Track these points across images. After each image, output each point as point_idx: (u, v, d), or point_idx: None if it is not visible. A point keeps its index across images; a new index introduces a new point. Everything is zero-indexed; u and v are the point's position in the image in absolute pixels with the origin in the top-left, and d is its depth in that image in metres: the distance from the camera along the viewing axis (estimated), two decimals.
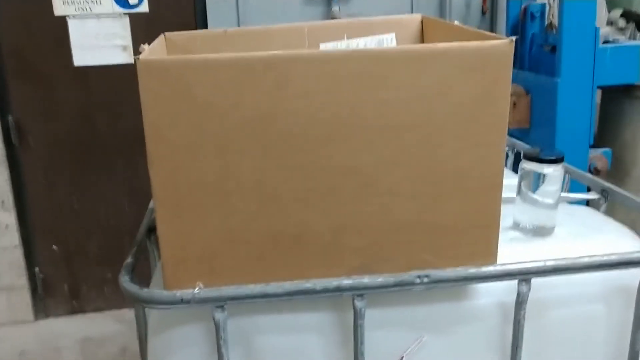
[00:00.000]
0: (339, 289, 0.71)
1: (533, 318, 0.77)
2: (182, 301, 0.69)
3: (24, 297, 2.37)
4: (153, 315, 0.78)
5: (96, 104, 2.25)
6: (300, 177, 0.69)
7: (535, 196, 0.86)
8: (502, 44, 0.66)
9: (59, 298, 2.46)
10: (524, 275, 0.74)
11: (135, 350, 0.80)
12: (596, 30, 1.83)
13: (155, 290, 0.69)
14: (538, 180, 0.85)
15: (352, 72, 0.66)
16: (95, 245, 2.42)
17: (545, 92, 1.91)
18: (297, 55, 0.65)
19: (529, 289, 0.75)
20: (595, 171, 1.93)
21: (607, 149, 1.97)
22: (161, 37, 0.91)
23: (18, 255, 2.31)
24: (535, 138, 1.93)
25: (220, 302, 0.69)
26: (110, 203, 2.37)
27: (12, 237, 2.29)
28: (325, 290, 0.71)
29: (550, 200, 0.86)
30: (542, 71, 1.98)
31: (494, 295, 0.78)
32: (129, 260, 0.77)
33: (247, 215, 0.69)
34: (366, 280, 0.71)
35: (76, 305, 2.48)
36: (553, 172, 0.84)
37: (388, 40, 0.96)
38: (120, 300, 2.42)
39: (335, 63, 0.65)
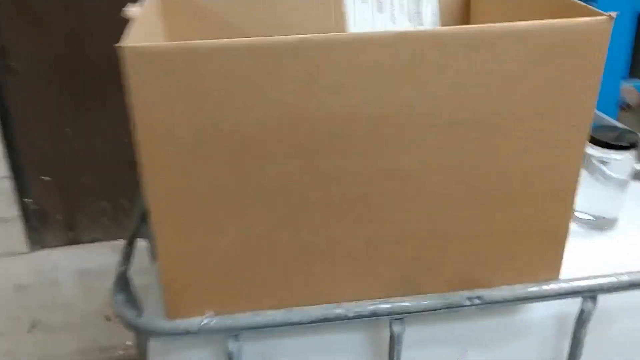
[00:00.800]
0: (375, 314, 0.60)
1: (592, 330, 0.66)
2: (187, 332, 0.57)
3: (18, 229, 2.27)
4: None
5: (88, 25, 2.05)
6: (334, 184, 0.55)
7: (598, 184, 0.73)
8: (599, 22, 0.51)
9: (53, 229, 2.37)
10: (591, 293, 0.63)
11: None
12: None
13: (155, 321, 0.58)
14: (603, 166, 0.72)
15: (401, 59, 0.51)
16: (90, 175, 2.30)
17: None
18: (334, 39, 0.50)
19: (595, 306, 0.64)
20: (626, 107, 1.78)
21: (639, 82, 1.82)
22: None
23: (8, 186, 2.19)
24: None
25: (234, 332, 0.58)
26: (106, 131, 2.22)
27: (1, 168, 2.16)
28: (360, 316, 0.59)
29: (615, 190, 0.73)
30: None
31: (550, 307, 0.67)
32: (121, 268, 0.66)
33: (268, 229, 0.56)
34: (407, 303, 0.60)
35: (72, 236, 2.39)
36: (622, 160, 0.71)
37: None
38: (117, 230, 2.33)
39: (380, 48, 0.50)
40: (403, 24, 0.80)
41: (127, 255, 0.69)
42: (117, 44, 0.48)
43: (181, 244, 0.56)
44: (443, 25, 0.81)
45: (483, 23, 0.81)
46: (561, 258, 0.62)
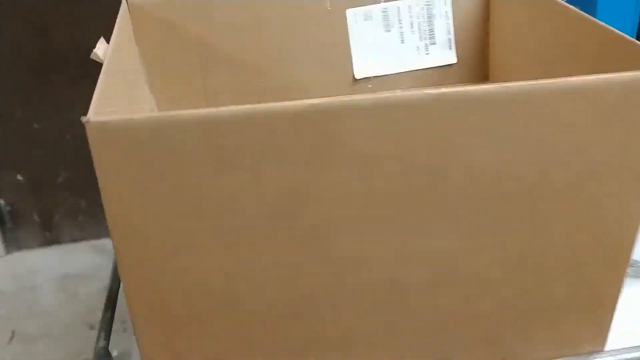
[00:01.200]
0: None
1: None
2: None
3: None
4: None
5: (53, 11, 1.91)
6: (349, 271, 0.46)
7: None
8: None
9: (30, 230, 2.26)
10: None
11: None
12: None
13: None
14: None
15: (432, 123, 0.41)
16: (64, 171, 2.19)
17: None
18: (349, 105, 0.40)
19: None
20: None
21: None
22: (124, 6, 0.63)
23: None
24: None
25: None
26: (77, 126, 2.09)
27: None
28: None
29: None
30: None
31: None
32: (100, 344, 0.57)
33: (269, 325, 0.47)
34: None
35: (50, 236, 2.28)
36: None
37: (441, 2, 0.70)
38: (97, 229, 2.23)
39: (407, 112, 0.41)
40: (413, 44, 0.71)
41: (107, 324, 0.60)
42: (82, 118, 0.39)
43: (167, 343, 0.46)
44: (458, 44, 0.71)
45: (503, 39, 0.72)
46: (608, 328, 0.54)
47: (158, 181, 0.40)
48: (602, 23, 0.53)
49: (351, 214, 0.44)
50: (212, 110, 0.39)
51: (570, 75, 0.57)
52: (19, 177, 2.13)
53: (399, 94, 0.40)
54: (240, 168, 0.41)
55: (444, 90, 0.40)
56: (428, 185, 0.44)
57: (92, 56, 0.50)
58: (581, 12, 0.57)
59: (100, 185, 0.40)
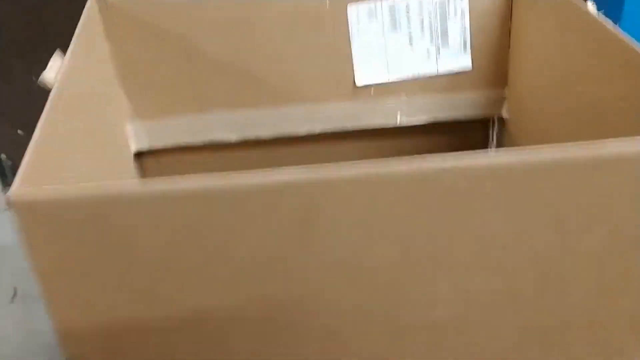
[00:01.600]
0: None
1: None
2: None
3: None
4: None
5: None
6: (331, 346, 0.41)
7: None
8: None
9: None
10: None
11: None
12: None
13: None
14: None
15: (436, 197, 0.35)
16: None
17: None
18: (337, 177, 0.33)
19: None
20: None
21: None
22: (92, 5, 0.55)
23: None
24: None
25: None
26: None
27: None
28: None
29: None
30: None
31: None
32: None
33: None
34: None
35: None
36: None
37: (458, 0, 0.61)
38: None
39: (405, 185, 0.34)
40: (423, 46, 0.62)
41: None
42: (5, 195, 0.32)
43: None
44: (474, 47, 0.63)
45: (524, 44, 0.63)
46: None
47: (104, 262, 0.34)
48: (635, 43, 0.46)
49: (339, 286, 0.38)
50: (170, 183, 0.32)
51: (591, 93, 0.50)
52: (19, 131, 2.08)
53: (397, 163, 0.33)
54: (206, 243, 0.35)
55: (450, 162, 0.33)
56: (430, 256, 0.37)
57: (40, 82, 0.43)
58: (615, 28, 0.48)
59: (33, 271, 0.34)
